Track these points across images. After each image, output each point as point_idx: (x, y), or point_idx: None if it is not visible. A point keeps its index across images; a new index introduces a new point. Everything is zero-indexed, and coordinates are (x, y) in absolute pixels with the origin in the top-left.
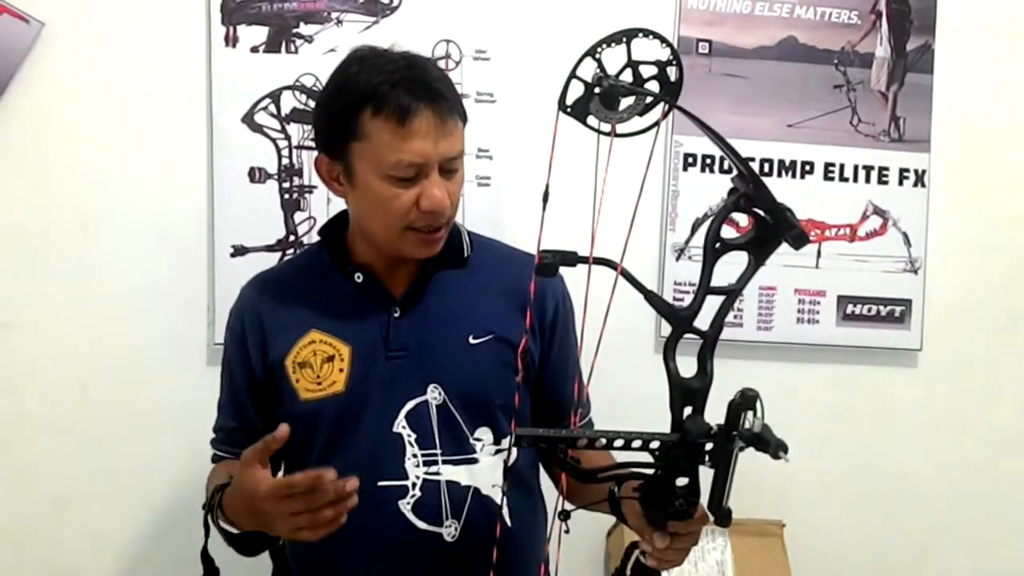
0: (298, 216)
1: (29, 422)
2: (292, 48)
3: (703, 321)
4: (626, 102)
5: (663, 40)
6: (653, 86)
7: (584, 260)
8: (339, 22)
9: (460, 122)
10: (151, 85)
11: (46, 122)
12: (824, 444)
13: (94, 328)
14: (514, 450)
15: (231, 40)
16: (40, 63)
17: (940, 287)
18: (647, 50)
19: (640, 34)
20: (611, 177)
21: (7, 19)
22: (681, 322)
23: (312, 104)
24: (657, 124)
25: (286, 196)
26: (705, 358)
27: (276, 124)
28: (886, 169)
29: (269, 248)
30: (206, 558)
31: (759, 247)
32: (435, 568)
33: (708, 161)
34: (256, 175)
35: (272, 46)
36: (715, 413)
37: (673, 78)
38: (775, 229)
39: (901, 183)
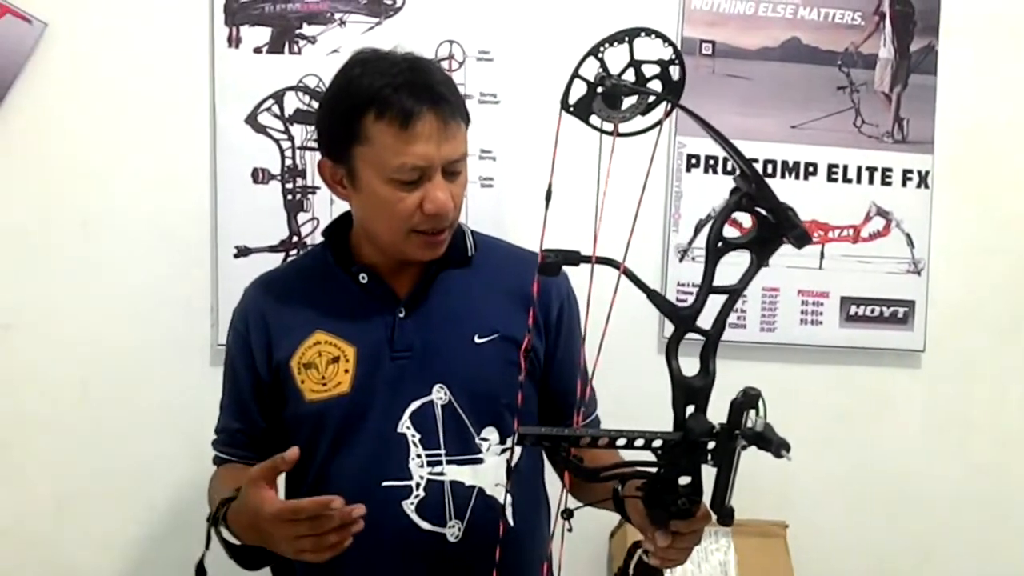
0: (301, 217)
1: (30, 422)
2: (295, 49)
3: (705, 320)
4: (628, 101)
5: (665, 39)
6: (656, 85)
7: (587, 259)
8: (342, 23)
9: (463, 124)
10: (154, 86)
11: (48, 122)
12: (827, 445)
13: (95, 328)
14: (518, 449)
15: (234, 41)
16: (43, 63)
17: (943, 288)
18: (649, 50)
19: (642, 33)
20: (615, 178)
21: (9, 19)
22: (683, 321)
23: (315, 105)
24: (660, 123)
25: (289, 197)
26: (708, 357)
27: (279, 125)
28: (889, 170)
29: (272, 249)
30: (201, 573)
31: (761, 246)
32: (438, 568)
33: (711, 162)
34: (259, 176)
35: (275, 47)
36: (717, 414)
37: (675, 77)
38: (777, 228)
39: (904, 184)
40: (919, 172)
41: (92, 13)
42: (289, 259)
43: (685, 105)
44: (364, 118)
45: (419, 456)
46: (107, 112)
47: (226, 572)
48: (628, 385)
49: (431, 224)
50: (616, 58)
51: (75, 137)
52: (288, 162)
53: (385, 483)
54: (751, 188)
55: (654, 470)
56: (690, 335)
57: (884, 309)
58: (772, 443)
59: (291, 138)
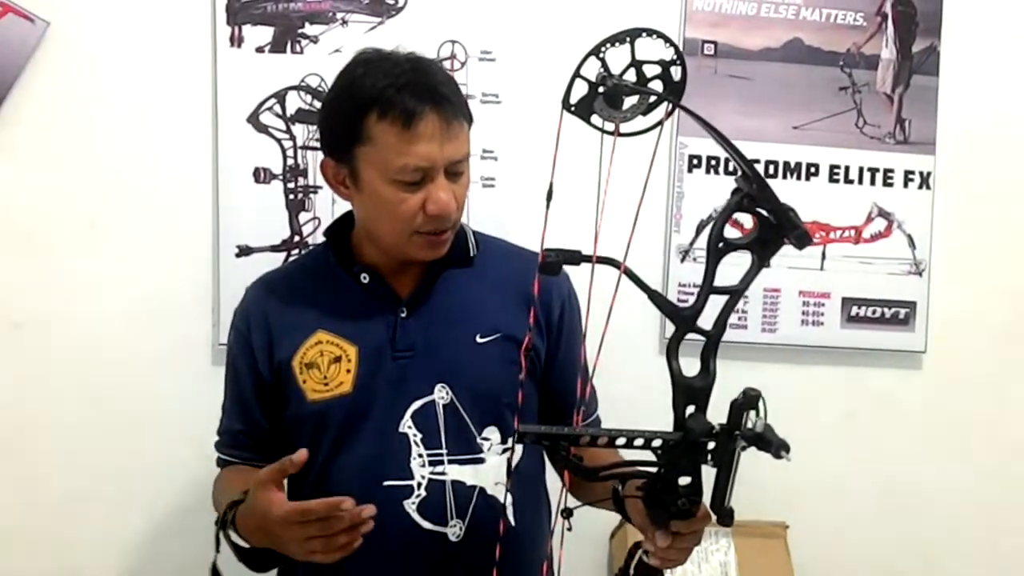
0: (303, 216)
1: (35, 422)
2: (297, 48)
3: (706, 321)
4: (630, 101)
5: (667, 40)
6: (657, 86)
7: (587, 259)
8: (344, 22)
9: (465, 125)
10: (156, 85)
11: (51, 122)
12: (828, 446)
13: (101, 328)
14: (519, 448)
15: (236, 40)
16: (45, 63)
17: (945, 290)
18: (651, 50)
19: (644, 34)
20: (616, 179)
21: (12, 19)
22: (684, 321)
23: (317, 104)
24: (661, 124)
25: (291, 196)
26: (708, 357)
27: (281, 124)
28: (891, 171)
29: (274, 248)
30: (216, 574)
31: (762, 247)
32: (439, 568)
33: (713, 163)
34: (261, 175)
35: (277, 46)
36: (718, 415)
37: (677, 77)
38: (778, 229)
39: (906, 185)
40: (921, 173)
41: (95, 12)
42: (291, 259)
43: (687, 106)
44: (367, 118)
45: (421, 456)
46: (109, 112)
47: (234, 574)
48: (628, 385)
49: (434, 225)
50: (617, 58)
51: (77, 137)
52: (290, 162)
53: (387, 483)
54: (752, 189)
55: (654, 470)
56: (691, 335)
57: (885, 310)
58: (772, 444)
59: (293, 138)
